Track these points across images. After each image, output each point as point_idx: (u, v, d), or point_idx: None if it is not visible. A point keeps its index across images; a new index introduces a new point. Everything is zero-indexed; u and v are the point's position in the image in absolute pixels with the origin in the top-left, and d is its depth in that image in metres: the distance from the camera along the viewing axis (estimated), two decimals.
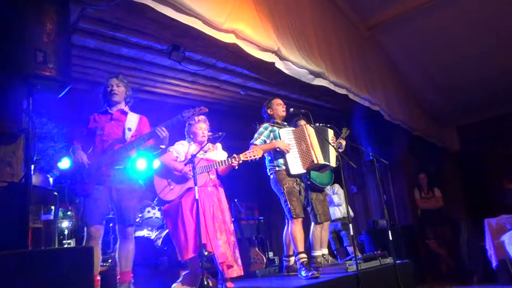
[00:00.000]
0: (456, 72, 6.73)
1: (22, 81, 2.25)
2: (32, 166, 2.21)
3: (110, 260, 3.78)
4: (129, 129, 3.09)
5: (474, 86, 7.11)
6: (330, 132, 4.22)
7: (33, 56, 2.21)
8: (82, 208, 2.90)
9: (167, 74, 4.87)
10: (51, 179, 3.21)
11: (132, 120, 3.17)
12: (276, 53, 3.81)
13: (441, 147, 8.30)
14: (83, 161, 2.94)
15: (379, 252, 4.19)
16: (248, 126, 4.47)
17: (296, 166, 3.91)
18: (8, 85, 2.33)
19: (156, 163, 3.99)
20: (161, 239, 4.51)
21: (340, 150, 4.49)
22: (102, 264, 3.66)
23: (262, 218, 6.10)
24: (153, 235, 4.79)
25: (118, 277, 2.97)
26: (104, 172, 2.95)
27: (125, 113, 3.20)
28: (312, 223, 4.33)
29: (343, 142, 4.56)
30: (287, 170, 3.90)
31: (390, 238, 3.85)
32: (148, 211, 4.90)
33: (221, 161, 3.47)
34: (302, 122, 4.31)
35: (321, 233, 4.33)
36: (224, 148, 3.85)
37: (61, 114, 3.92)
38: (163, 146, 3.23)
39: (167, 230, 4.41)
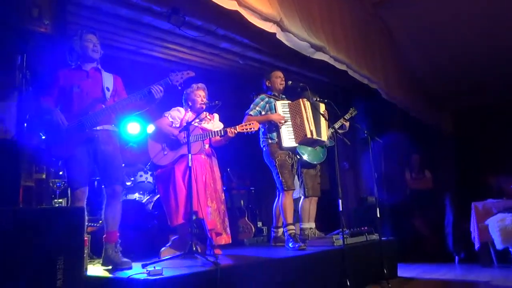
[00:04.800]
0: (457, 56, 6.65)
1: (16, 36, 2.19)
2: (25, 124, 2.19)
3: (101, 221, 3.81)
4: (107, 89, 2.95)
5: (474, 71, 7.06)
6: (322, 106, 4.20)
7: (28, 11, 2.14)
8: (66, 171, 2.82)
9: (165, 38, 4.75)
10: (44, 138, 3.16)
11: (108, 80, 3.03)
12: (278, 24, 3.74)
13: (436, 129, 8.33)
14: (62, 122, 2.76)
15: (366, 228, 4.27)
16: (245, 96, 4.44)
17: (289, 139, 3.92)
18: (1, 41, 2.27)
19: (151, 128, 3.98)
20: (152, 203, 4.54)
21: (340, 131, 4.48)
22: (92, 224, 3.70)
23: (253, 188, 6.16)
24: (144, 199, 4.82)
25: (104, 236, 2.93)
26: (88, 134, 2.83)
27: (99, 71, 3.05)
28: (302, 197, 4.39)
29: (347, 124, 4.53)
30: (279, 143, 3.92)
31: (378, 216, 3.92)
32: (141, 175, 4.90)
33: (216, 131, 3.46)
34: (307, 95, 4.24)
35: (309, 206, 4.40)
36: (220, 116, 3.84)
37: (54, 72, 3.84)
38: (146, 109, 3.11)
39: (158, 195, 4.44)
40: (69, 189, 2.84)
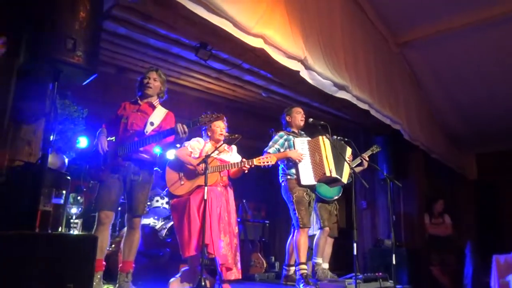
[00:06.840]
0: (481, 100, 6.60)
1: (50, 65, 2.29)
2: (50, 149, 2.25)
3: (113, 245, 3.84)
4: (152, 123, 3.08)
5: (499, 116, 6.96)
6: (348, 150, 4.17)
7: (63, 42, 2.25)
8: (96, 193, 2.99)
9: (192, 67, 4.90)
10: (66, 160, 3.26)
11: (158, 115, 3.17)
12: (303, 62, 3.80)
13: (458, 173, 8.14)
14: (102, 148, 2.99)
15: (380, 274, 4.14)
16: (266, 128, 4.47)
17: (307, 177, 3.88)
18: (36, 68, 2.38)
19: (171, 155, 4.04)
20: (166, 229, 4.55)
21: (359, 168, 4.44)
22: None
23: (267, 222, 6.10)
24: (158, 224, 4.83)
25: (120, 265, 3.02)
26: (120, 162, 2.99)
27: (153, 106, 3.21)
28: (318, 231, 4.32)
29: (366, 163, 4.49)
30: (298, 179, 3.88)
31: (394, 262, 3.80)
32: (157, 200, 4.92)
33: (234, 163, 3.48)
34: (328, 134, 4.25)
35: (325, 245, 4.32)
36: (240, 147, 3.86)
37: (84, 96, 3.98)
38: (178, 146, 3.24)
39: (172, 222, 4.45)
40: (97, 212, 2.97)
